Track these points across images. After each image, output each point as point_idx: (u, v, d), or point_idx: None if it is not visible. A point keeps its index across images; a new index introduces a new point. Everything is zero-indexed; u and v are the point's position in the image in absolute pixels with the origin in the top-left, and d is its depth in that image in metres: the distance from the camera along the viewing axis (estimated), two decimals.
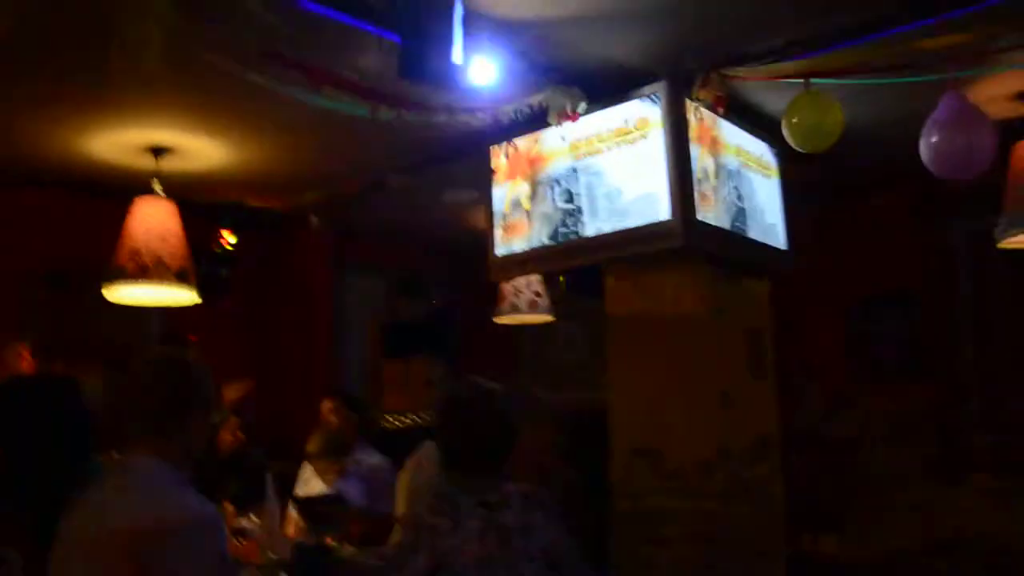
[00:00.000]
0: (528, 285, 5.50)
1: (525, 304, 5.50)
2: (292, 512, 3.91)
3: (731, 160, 4.25)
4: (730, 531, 4.30)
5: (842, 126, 3.71)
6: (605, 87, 3.91)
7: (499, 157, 4.39)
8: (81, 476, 2.39)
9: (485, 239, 4.48)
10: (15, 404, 2.53)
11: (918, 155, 3.70)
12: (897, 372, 5.75)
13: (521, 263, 4.26)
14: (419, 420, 4.78)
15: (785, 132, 3.78)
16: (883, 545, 5.06)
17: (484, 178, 4.44)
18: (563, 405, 3.41)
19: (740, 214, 4.24)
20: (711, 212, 3.99)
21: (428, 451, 3.60)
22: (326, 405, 4.35)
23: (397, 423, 4.80)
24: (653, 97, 3.85)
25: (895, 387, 5.69)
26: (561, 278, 5.86)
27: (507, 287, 5.58)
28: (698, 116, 3.96)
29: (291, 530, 3.86)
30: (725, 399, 4.43)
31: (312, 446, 4.03)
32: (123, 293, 4.40)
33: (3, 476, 2.58)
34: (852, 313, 5.99)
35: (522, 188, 4.26)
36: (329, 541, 2.72)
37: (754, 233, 4.36)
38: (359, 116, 3.66)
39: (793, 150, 3.92)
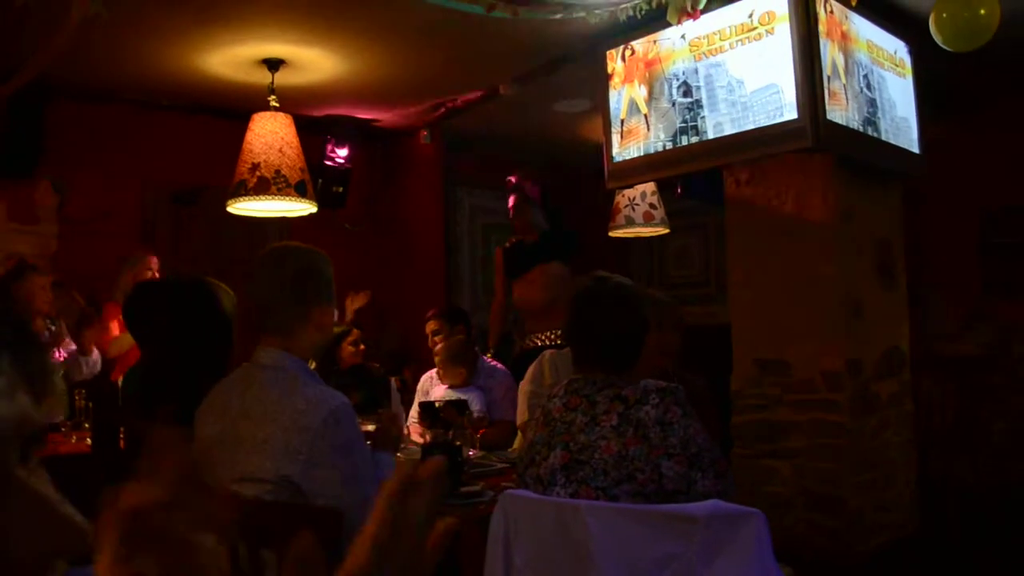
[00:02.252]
0: (643, 196, 5.36)
1: (640, 216, 5.38)
2: (413, 421, 3.97)
3: (862, 56, 4.00)
4: (858, 447, 4.18)
5: (998, 21, 3.28)
6: None
7: (615, 61, 4.24)
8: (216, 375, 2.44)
9: (595, 154, 4.37)
10: (154, 303, 2.61)
11: None
12: None
13: (639, 168, 4.14)
14: (547, 338, 4.62)
15: (933, 28, 3.38)
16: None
17: (600, 84, 4.31)
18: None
19: (872, 108, 4.00)
20: (841, 110, 3.78)
21: (548, 360, 3.57)
22: (429, 327, 4.36)
23: (533, 343, 4.67)
24: None
25: None
26: (679, 189, 5.68)
27: (621, 199, 5.46)
28: (828, 9, 3.72)
29: (414, 439, 3.92)
30: (854, 309, 4.27)
31: (434, 356, 4.06)
32: (245, 207, 4.47)
33: (146, 374, 2.68)
34: (987, 224, 5.64)
35: (639, 91, 4.11)
36: (457, 443, 2.73)
37: (886, 131, 4.12)
38: (474, 19, 3.56)
39: (930, 48, 3.61)
